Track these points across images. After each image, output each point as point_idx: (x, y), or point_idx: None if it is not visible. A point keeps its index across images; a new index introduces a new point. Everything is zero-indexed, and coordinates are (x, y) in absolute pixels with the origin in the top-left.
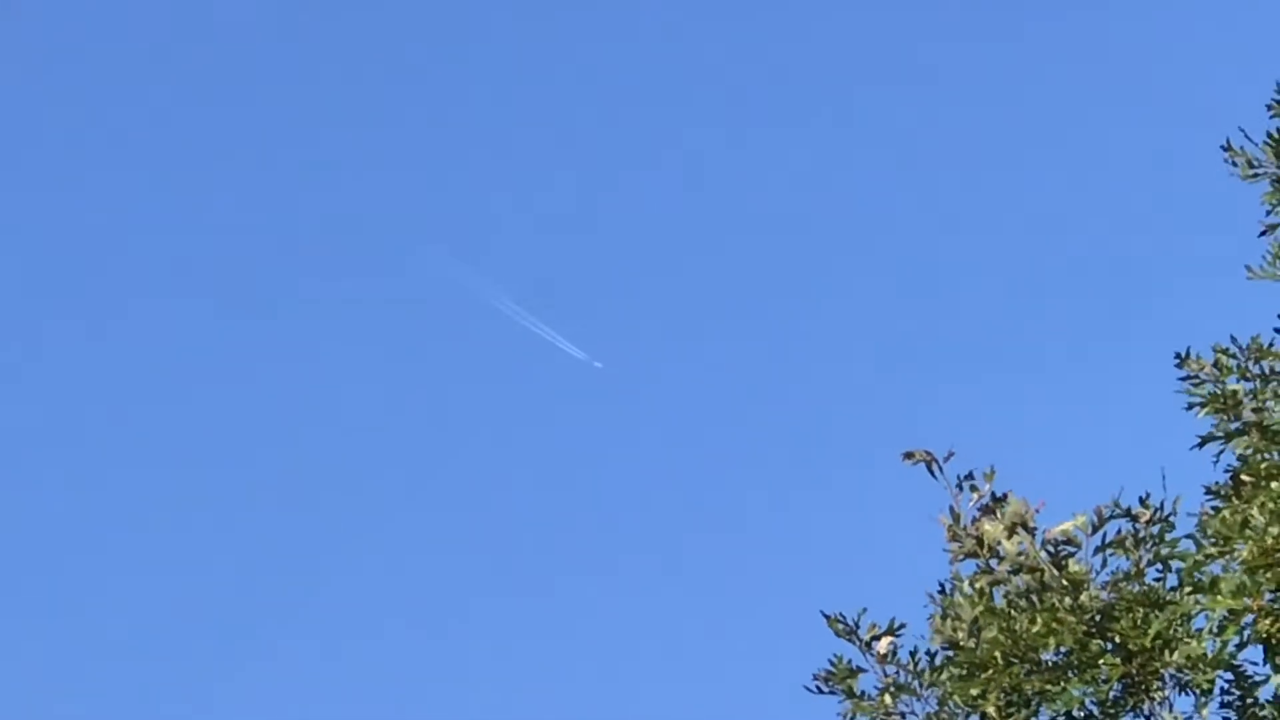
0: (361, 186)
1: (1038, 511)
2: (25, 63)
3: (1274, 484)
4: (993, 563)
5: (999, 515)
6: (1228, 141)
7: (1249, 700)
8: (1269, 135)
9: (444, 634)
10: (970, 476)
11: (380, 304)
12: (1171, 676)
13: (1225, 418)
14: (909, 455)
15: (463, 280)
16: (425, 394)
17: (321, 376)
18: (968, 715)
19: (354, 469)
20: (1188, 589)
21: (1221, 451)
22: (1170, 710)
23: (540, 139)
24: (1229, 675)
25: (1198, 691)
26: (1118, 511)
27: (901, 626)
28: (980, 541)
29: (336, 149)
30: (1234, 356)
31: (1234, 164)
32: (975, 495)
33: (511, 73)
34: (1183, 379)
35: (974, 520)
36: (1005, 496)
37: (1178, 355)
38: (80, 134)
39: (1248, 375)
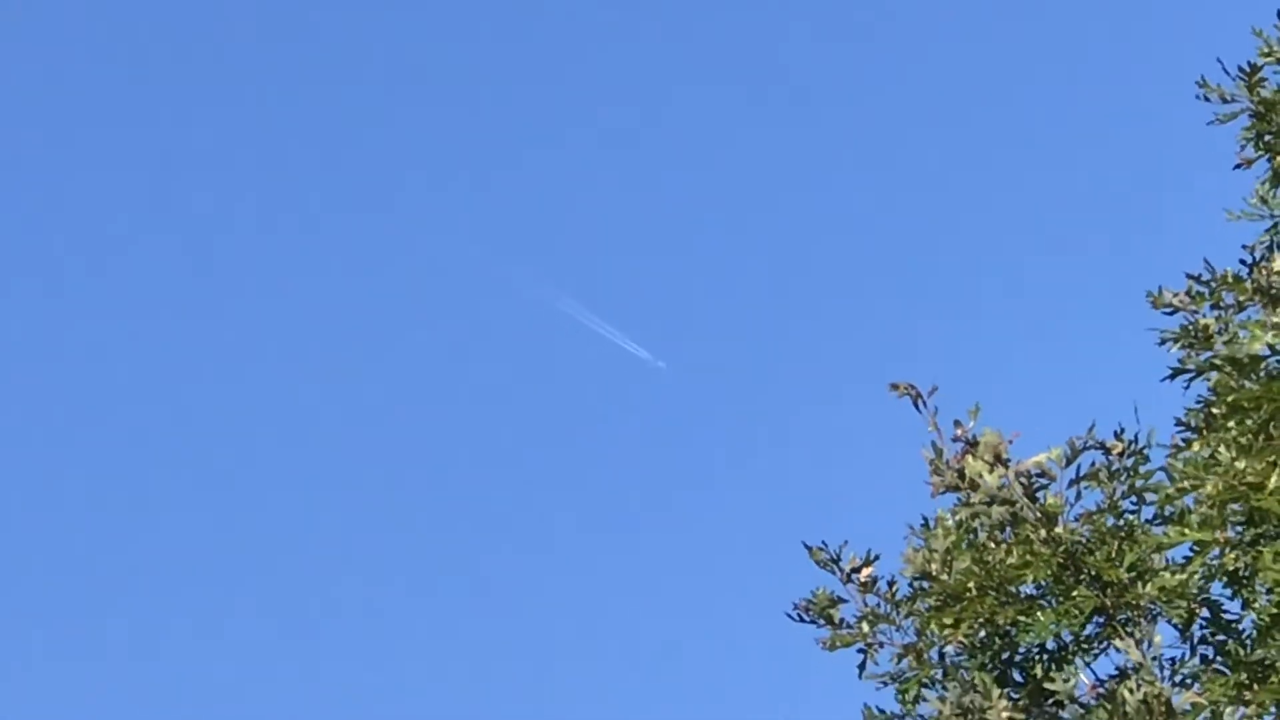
0: (416, 190)
1: (1011, 443)
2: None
3: (1242, 417)
4: (972, 496)
5: (980, 450)
6: (1202, 78)
7: (1224, 636)
8: (1240, 69)
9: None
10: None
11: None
12: (1146, 609)
13: (1195, 350)
14: (895, 387)
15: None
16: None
17: (366, 377)
18: (943, 645)
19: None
20: (1159, 522)
21: (1191, 380)
22: (1148, 645)
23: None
24: (1206, 613)
25: (1175, 625)
26: (1091, 444)
27: (876, 557)
28: (962, 475)
29: (386, 152)
30: (1207, 284)
31: (1208, 99)
32: (959, 430)
33: (567, 72)
34: (1157, 308)
35: (957, 455)
36: (983, 431)
37: (1149, 294)
38: (156, 127)
39: (1220, 304)
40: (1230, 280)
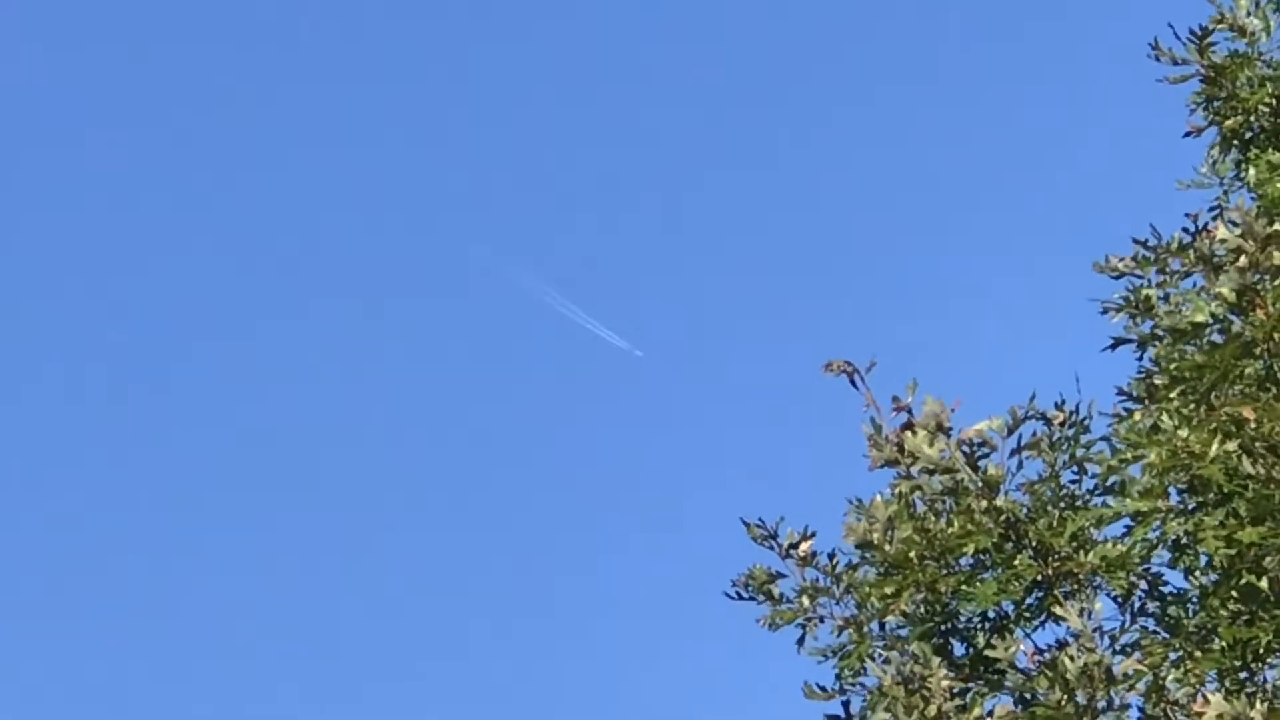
0: (399, 179)
1: (953, 411)
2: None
3: (1185, 387)
4: (913, 468)
5: (921, 420)
6: (1155, 40)
7: (1165, 605)
8: (1191, 32)
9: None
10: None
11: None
12: (1087, 578)
13: (1137, 320)
14: (829, 366)
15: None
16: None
17: (351, 369)
18: (883, 616)
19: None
20: (1100, 492)
21: (1137, 351)
22: (1089, 615)
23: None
24: (1144, 584)
25: (1116, 594)
26: (1033, 414)
27: (813, 534)
28: (901, 449)
29: (365, 138)
30: (1154, 249)
31: (1159, 60)
32: (896, 405)
33: (547, 63)
34: (1103, 273)
35: (896, 429)
36: (924, 400)
37: (1095, 262)
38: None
39: (1166, 269)
40: (1176, 247)
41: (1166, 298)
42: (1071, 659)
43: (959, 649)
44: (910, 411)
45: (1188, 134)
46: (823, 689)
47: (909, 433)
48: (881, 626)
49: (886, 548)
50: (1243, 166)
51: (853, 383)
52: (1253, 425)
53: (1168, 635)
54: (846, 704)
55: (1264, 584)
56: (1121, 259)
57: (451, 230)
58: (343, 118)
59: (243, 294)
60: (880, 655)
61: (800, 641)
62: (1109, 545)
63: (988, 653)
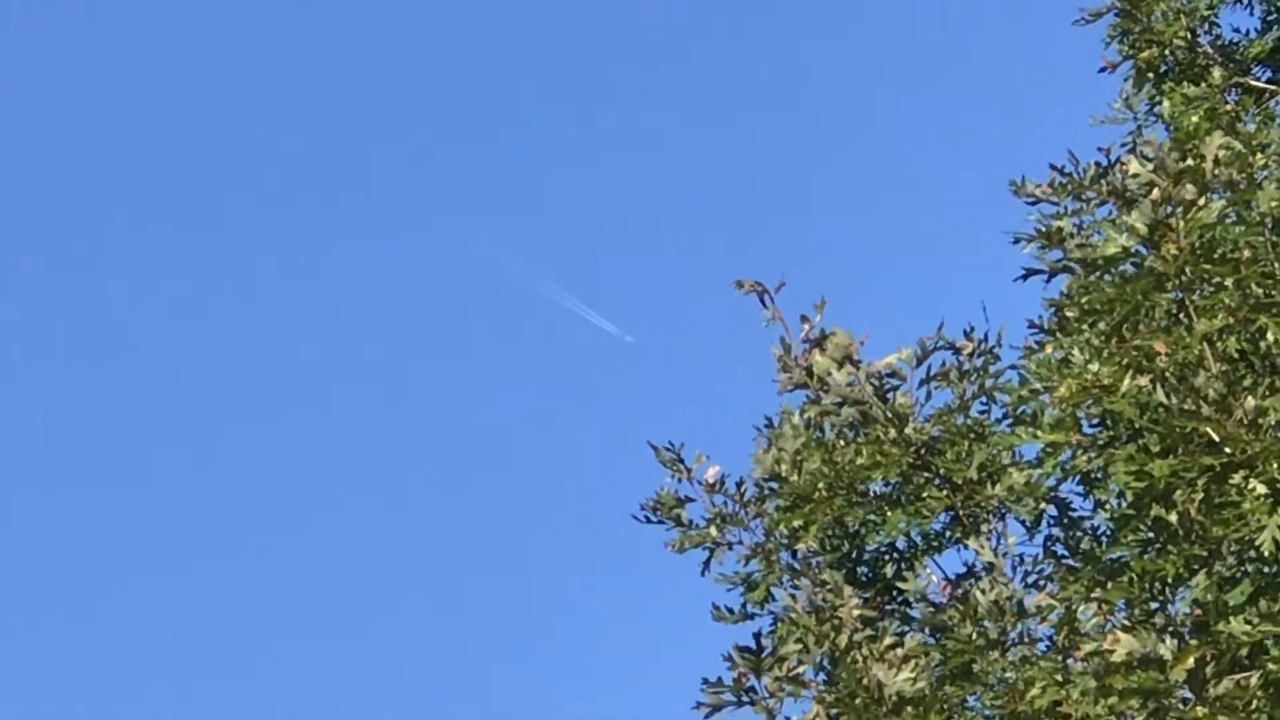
0: (388, 165)
1: (862, 344)
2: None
3: (1096, 319)
4: (822, 395)
5: (828, 348)
6: None
7: (1076, 534)
8: None
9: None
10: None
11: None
12: (996, 509)
13: (1049, 251)
14: (740, 284)
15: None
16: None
17: (332, 355)
18: (792, 546)
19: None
20: (1010, 423)
21: (1047, 281)
22: (998, 543)
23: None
24: (1054, 512)
25: (1024, 523)
26: (942, 344)
27: (711, 464)
28: (810, 373)
29: (359, 130)
30: (1070, 175)
31: None
32: (805, 327)
33: (538, 52)
34: (1018, 195)
35: (804, 352)
36: (833, 331)
37: (1011, 183)
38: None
39: (1083, 197)
40: (1092, 177)
41: (1080, 228)
42: (983, 592)
43: (867, 578)
44: (819, 336)
45: (1102, 69)
46: (731, 611)
47: (817, 352)
48: (792, 555)
49: (794, 479)
50: (1157, 100)
51: (763, 302)
52: (1164, 359)
53: (1079, 566)
54: (758, 635)
55: (1173, 517)
56: (1038, 184)
57: (442, 218)
58: (330, 107)
59: (243, 294)
60: (789, 584)
61: (706, 565)
62: (1017, 474)
63: (899, 584)
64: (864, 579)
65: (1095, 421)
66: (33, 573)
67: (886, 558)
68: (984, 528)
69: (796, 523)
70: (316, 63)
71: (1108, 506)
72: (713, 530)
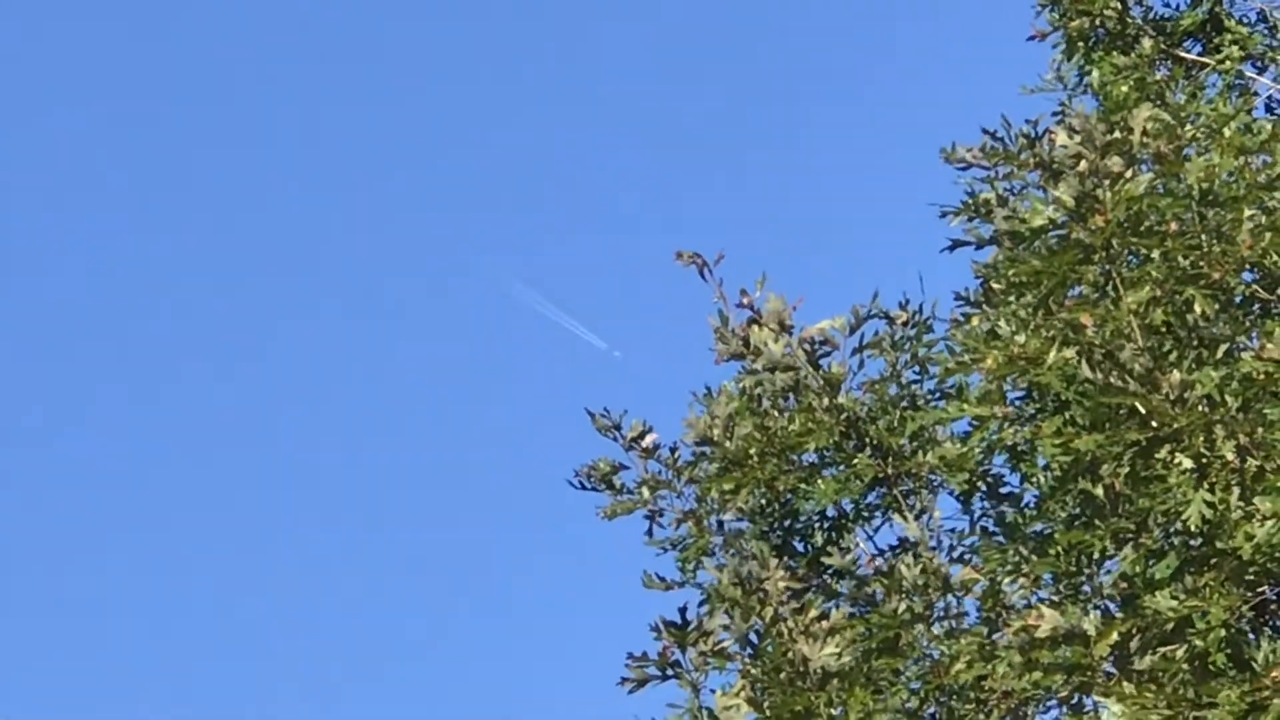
0: (384, 178)
1: (795, 309)
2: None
3: (1022, 291)
4: (756, 363)
5: (765, 318)
6: None
7: (1005, 508)
8: None
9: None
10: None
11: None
12: (927, 479)
13: (975, 223)
14: (680, 255)
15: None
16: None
17: (320, 366)
18: (722, 511)
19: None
20: (940, 396)
21: (976, 251)
22: (928, 519)
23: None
24: (984, 485)
25: (957, 496)
26: (875, 312)
27: (650, 429)
28: (746, 343)
29: (344, 135)
30: (1001, 141)
31: None
32: (744, 299)
33: (529, 66)
34: (949, 161)
35: (742, 324)
36: (768, 299)
37: (943, 149)
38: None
39: (1016, 162)
40: (1021, 147)
41: (1008, 198)
42: (909, 566)
43: (798, 547)
44: (756, 308)
45: (1031, 38)
46: (662, 579)
47: (755, 327)
48: (720, 523)
49: (727, 444)
50: (1087, 70)
51: (701, 274)
52: (1091, 332)
53: (1005, 539)
54: (683, 610)
55: (1099, 491)
56: (970, 149)
57: (434, 230)
58: (331, 106)
59: (242, 294)
60: (718, 553)
61: (649, 533)
62: (949, 445)
63: (825, 559)
64: (794, 548)
65: (1022, 394)
66: (34, 572)
67: (816, 526)
68: (914, 500)
69: (727, 486)
70: (316, 63)
71: (1034, 480)
72: (645, 493)
